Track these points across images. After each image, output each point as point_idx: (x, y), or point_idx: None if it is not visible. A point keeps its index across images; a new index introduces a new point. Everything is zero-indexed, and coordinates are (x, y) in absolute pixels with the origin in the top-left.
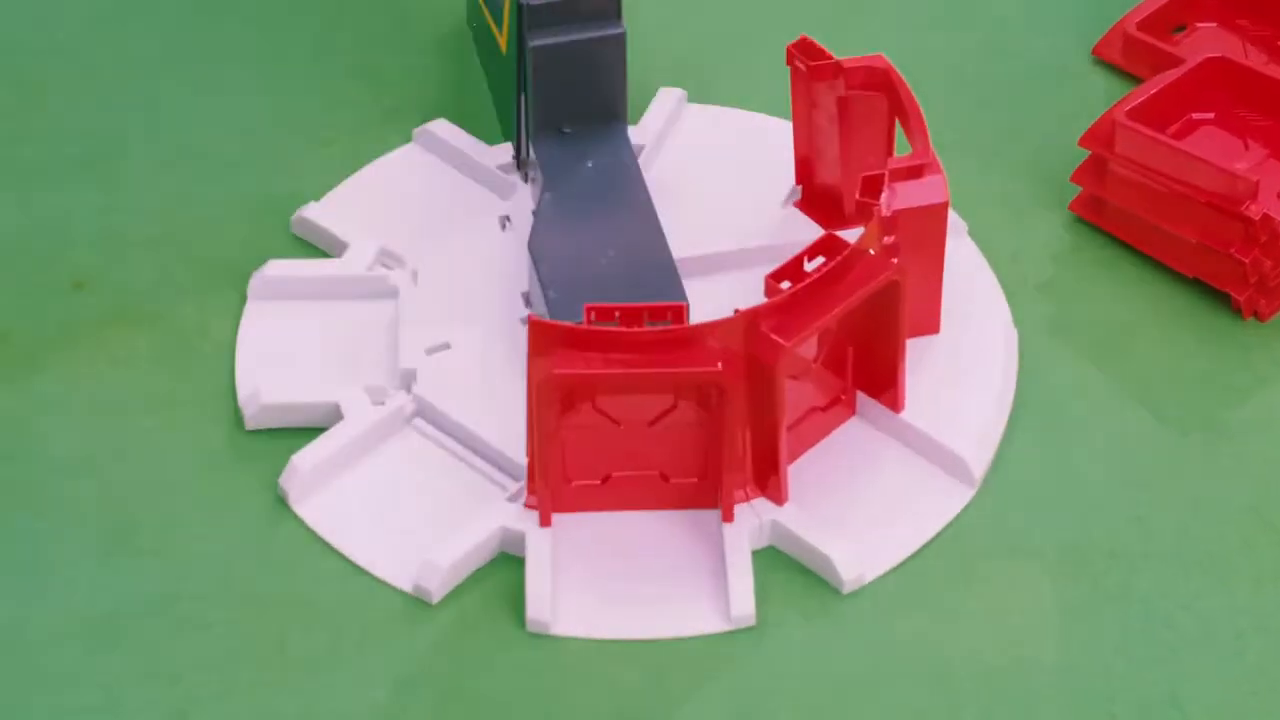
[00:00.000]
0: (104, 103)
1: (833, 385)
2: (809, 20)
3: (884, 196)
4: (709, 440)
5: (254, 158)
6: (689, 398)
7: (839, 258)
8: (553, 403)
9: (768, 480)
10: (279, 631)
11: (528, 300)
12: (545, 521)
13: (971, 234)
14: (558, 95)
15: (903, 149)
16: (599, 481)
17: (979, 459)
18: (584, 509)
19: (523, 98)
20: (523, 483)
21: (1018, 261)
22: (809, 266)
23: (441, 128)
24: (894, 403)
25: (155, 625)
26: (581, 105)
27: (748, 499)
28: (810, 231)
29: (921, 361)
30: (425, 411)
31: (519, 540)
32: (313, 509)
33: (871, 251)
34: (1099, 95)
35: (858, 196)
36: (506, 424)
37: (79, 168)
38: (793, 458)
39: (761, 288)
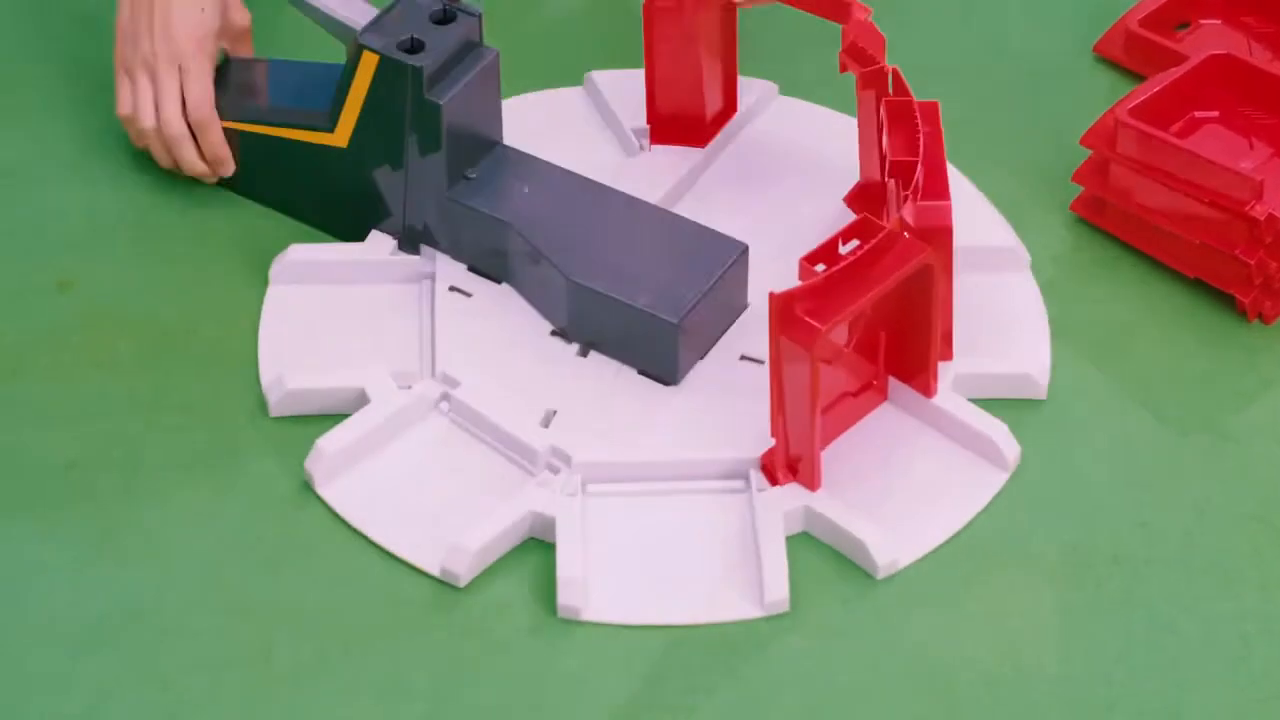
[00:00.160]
0: (88, 101)
1: (865, 370)
2: (810, 22)
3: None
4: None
5: None
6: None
7: (874, 241)
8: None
9: (800, 465)
10: (292, 621)
11: (565, 337)
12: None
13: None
14: (463, 143)
15: None
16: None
17: (1012, 443)
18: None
19: (403, 171)
20: (545, 473)
21: None
22: (844, 250)
23: None
24: (926, 388)
25: (143, 629)
26: (478, 142)
27: (781, 483)
28: None
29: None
30: (457, 408)
31: (549, 525)
32: (338, 492)
33: (905, 235)
34: (1100, 93)
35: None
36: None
37: (64, 167)
38: (825, 443)
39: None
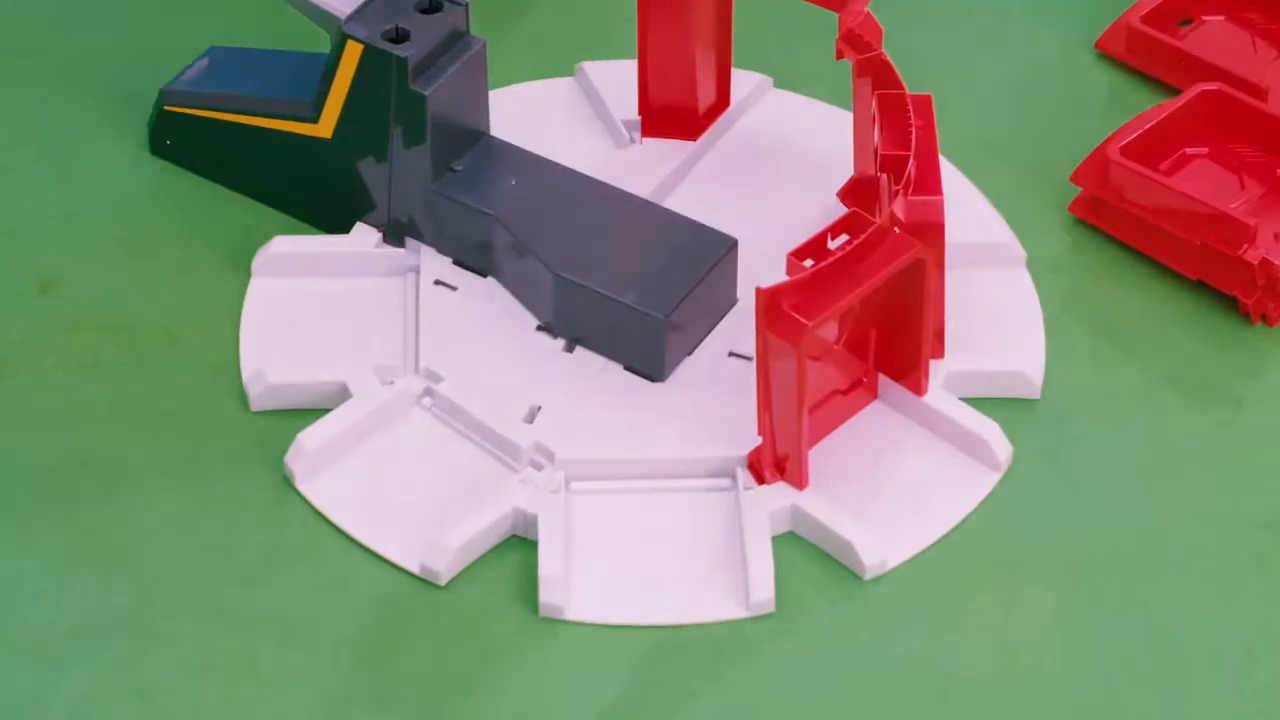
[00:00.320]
0: (68, 98)
1: (854, 368)
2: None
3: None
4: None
5: None
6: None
7: (863, 236)
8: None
9: (787, 464)
10: (277, 626)
11: (551, 331)
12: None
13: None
14: (448, 135)
15: None
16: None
17: (1004, 443)
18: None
19: (387, 163)
20: (529, 470)
21: None
22: (833, 244)
23: None
24: (917, 386)
25: (125, 637)
26: (463, 134)
27: (768, 482)
28: None
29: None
30: (440, 403)
31: (532, 522)
32: (318, 488)
33: (895, 230)
34: (1101, 91)
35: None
36: (512, 408)
37: (44, 166)
38: (813, 441)
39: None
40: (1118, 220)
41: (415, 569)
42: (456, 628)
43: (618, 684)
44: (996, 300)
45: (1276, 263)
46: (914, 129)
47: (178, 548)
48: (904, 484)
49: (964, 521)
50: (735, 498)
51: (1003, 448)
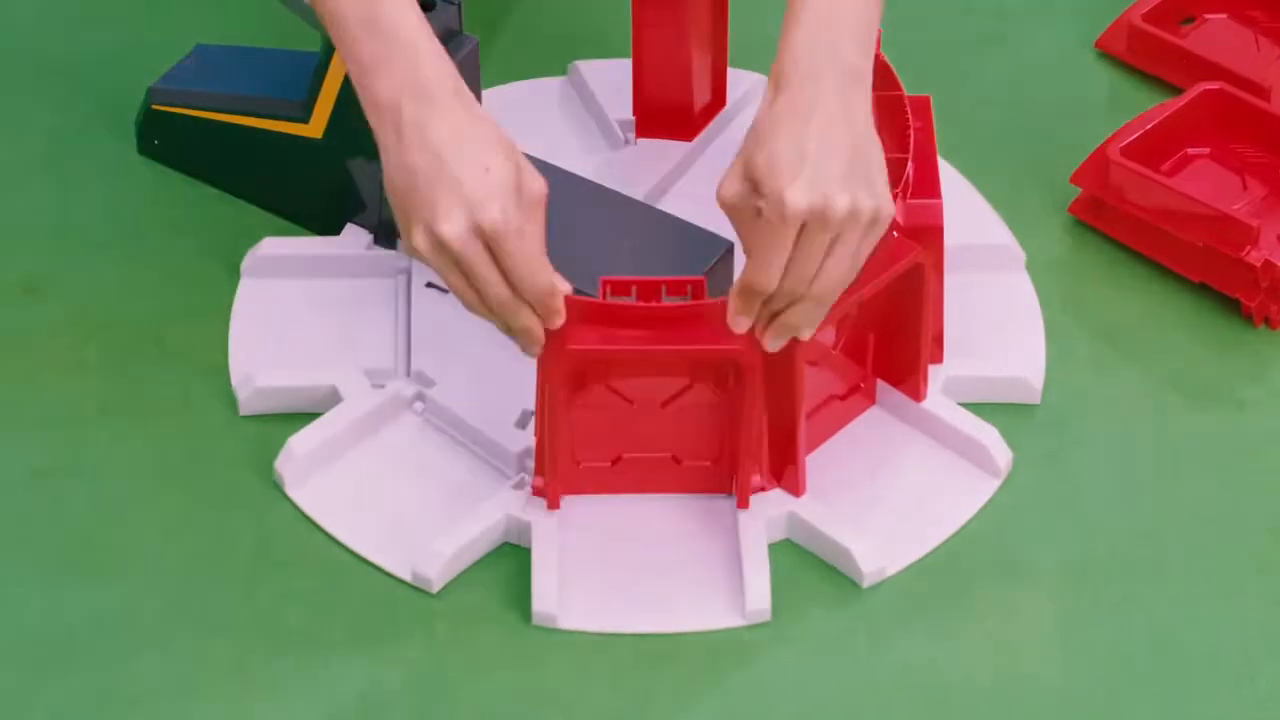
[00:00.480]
0: (54, 101)
1: (852, 373)
2: None
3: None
4: (725, 423)
5: None
6: (706, 378)
7: None
8: (565, 381)
9: (784, 470)
10: (267, 633)
11: None
12: (554, 504)
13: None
14: None
15: None
16: (609, 463)
17: (1003, 449)
18: (592, 491)
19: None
20: (523, 474)
21: None
22: None
23: None
24: (915, 391)
25: (111, 645)
26: None
27: (764, 489)
28: None
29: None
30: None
31: (525, 529)
32: (308, 494)
33: (894, 234)
34: (1101, 91)
35: None
36: (504, 413)
37: (28, 167)
38: (811, 447)
39: None
40: (1118, 222)
41: (407, 576)
42: (449, 636)
43: (611, 693)
44: (995, 304)
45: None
46: (912, 131)
47: (165, 551)
48: (902, 490)
49: (965, 528)
50: (730, 502)
51: (1002, 454)
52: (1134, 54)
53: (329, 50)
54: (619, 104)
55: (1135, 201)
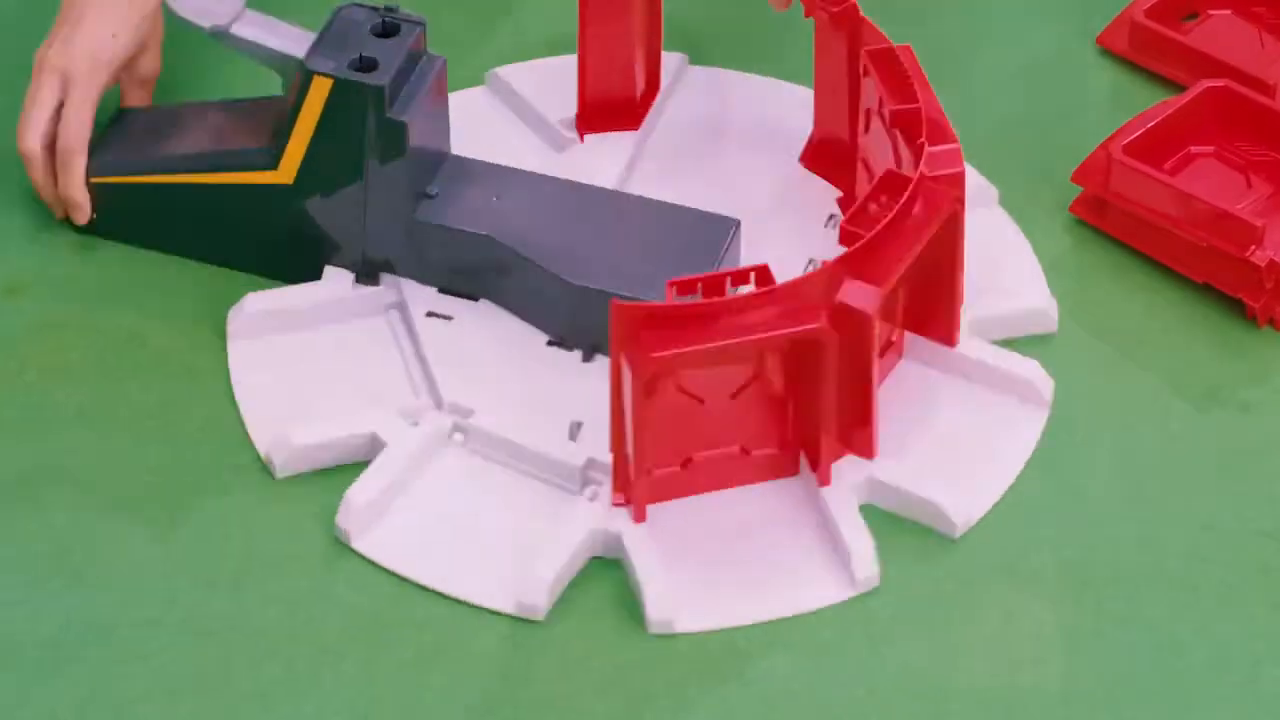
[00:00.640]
0: None
1: (886, 329)
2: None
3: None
4: (793, 403)
5: None
6: (776, 363)
7: (905, 194)
8: (646, 390)
9: (854, 435)
10: (254, 631)
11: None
12: (640, 517)
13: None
14: (423, 160)
15: None
16: (679, 467)
17: (1045, 378)
18: (666, 497)
19: (362, 199)
20: (592, 486)
21: None
22: (875, 210)
23: None
24: (949, 337)
25: (98, 653)
26: (434, 157)
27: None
28: (822, 188)
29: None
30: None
31: (614, 541)
32: (374, 543)
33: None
34: (1103, 88)
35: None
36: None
37: (11, 168)
38: None
39: (774, 247)
40: (1120, 221)
41: (511, 609)
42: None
43: (608, 697)
44: (980, 242)
45: None
46: (915, 81)
47: (150, 556)
48: (959, 436)
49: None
50: (797, 480)
51: (1045, 384)
52: (1136, 51)
53: (302, 90)
54: (550, 104)
55: (1137, 200)
